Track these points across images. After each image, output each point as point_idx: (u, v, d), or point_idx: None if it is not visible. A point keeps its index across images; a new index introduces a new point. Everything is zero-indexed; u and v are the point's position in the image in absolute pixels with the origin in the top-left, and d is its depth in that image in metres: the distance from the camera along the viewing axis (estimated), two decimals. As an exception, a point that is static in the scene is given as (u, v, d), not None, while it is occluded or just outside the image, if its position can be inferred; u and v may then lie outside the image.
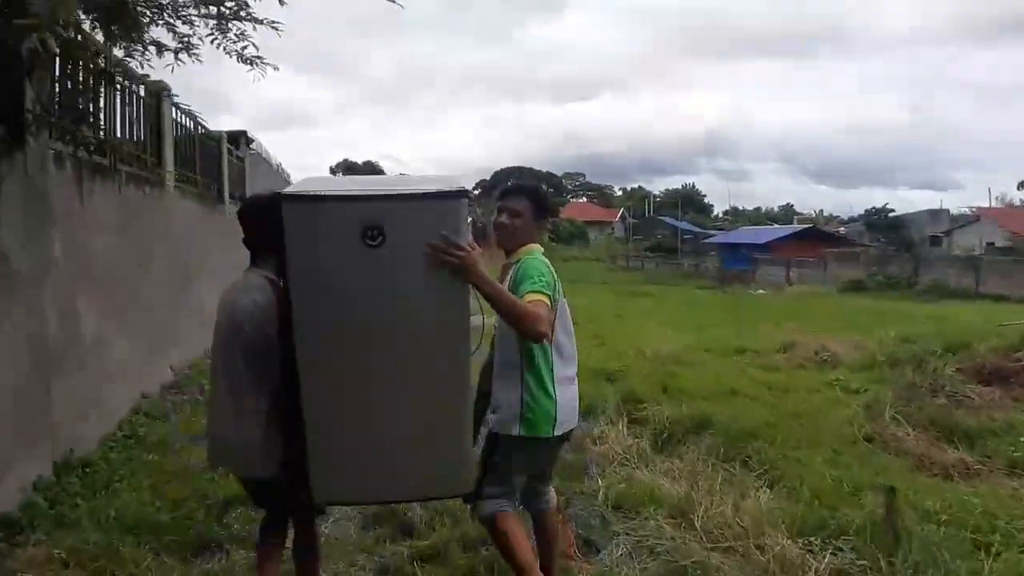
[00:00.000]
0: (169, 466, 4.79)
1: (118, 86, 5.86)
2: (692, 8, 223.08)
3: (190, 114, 8.55)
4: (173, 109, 7.73)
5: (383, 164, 72.03)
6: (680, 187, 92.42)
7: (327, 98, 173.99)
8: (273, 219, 2.40)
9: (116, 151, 5.49)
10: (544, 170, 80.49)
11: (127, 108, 6.27)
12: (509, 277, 2.80)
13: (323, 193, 2.43)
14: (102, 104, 5.59)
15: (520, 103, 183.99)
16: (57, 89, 4.69)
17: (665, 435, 5.53)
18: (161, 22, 5.02)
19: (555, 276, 2.81)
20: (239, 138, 11.90)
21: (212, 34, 5.25)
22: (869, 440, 5.74)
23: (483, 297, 2.50)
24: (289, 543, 2.95)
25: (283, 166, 17.95)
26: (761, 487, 4.57)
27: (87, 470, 4.63)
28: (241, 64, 5.51)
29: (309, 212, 2.39)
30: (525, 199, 2.96)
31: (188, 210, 8.30)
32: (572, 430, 2.97)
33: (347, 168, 66.13)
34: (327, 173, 75.45)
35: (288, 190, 2.49)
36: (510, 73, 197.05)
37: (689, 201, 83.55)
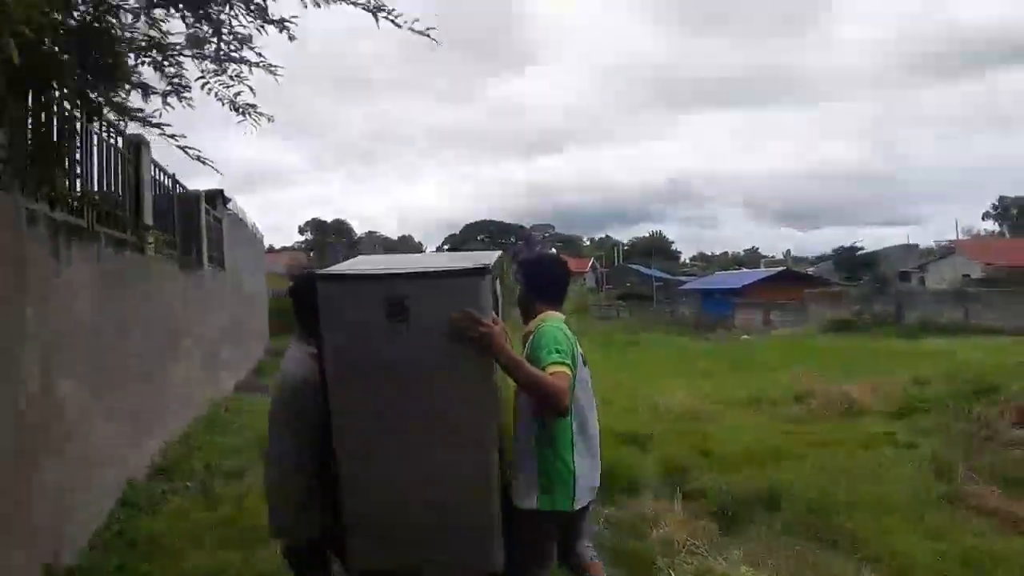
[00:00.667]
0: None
1: (95, 135, 5.24)
2: (652, 61, 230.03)
3: (167, 172, 7.94)
4: (152, 166, 7.10)
5: (353, 224, 71.42)
6: (648, 235, 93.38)
7: (296, 158, 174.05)
8: (314, 299, 2.58)
9: (95, 207, 4.85)
10: (515, 223, 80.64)
11: (105, 162, 5.64)
12: (526, 346, 2.82)
13: (352, 272, 2.63)
14: (78, 157, 4.96)
15: (488, 158, 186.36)
16: (28, 135, 4.07)
17: (729, 512, 4.90)
18: (148, 59, 4.41)
19: (574, 344, 2.80)
20: (216, 198, 11.23)
21: (203, 76, 4.65)
22: (948, 500, 5.20)
23: (503, 370, 2.55)
24: None
25: (257, 226, 17.27)
26: (860, 570, 3.97)
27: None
28: (232, 113, 4.88)
29: (339, 289, 2.57)
30: (520, 273, 3.09)
31: (169, 275, 7.61)
32: (591, 502, 2.93)
33: (315, 227, 65.49)
34: (296, 233, 75.37)
35: (327, 270, 2.68)
36: (477, 130, 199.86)
37: (658, 248, 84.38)
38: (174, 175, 8.38)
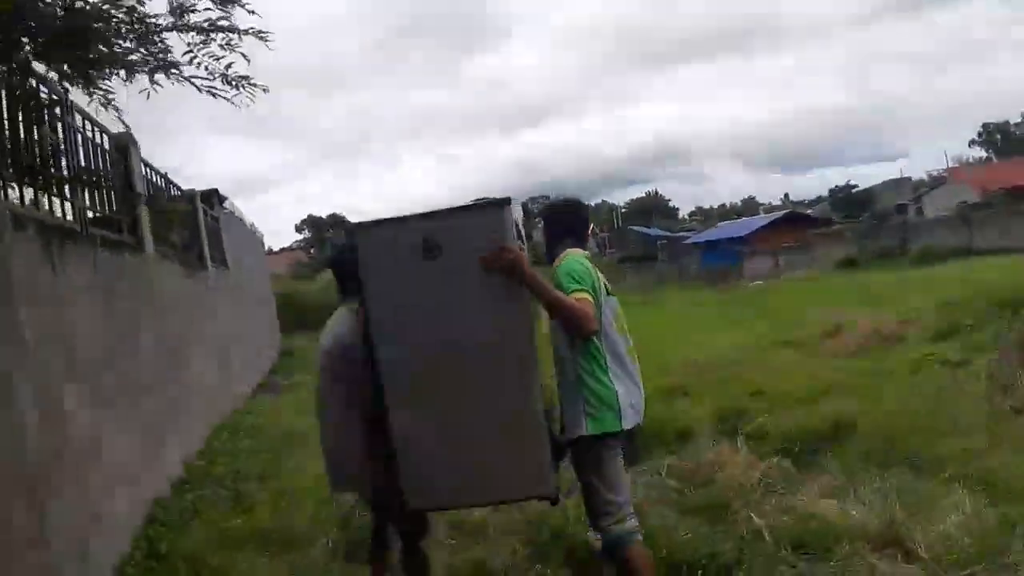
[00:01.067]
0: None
1: (79, 132, 4.91)
2: (625, 22, 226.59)
3: (159, 172, 7.60)
4: (142, 165, 6.76)
5: (348, 216, 70.76)
6: (644, 195, 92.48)
7: (280, 159, 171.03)
8: (351, 259, 2.78)
9: (83, 208, 4.52)
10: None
11: (91, 161, 5.31)
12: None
13: (385, 218, 2.77)
14: (63, 160, 4.63)
15: (472, 138, 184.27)
16: (7, 134, 3.75)
17: (797, 448, 4.62)
18: (131, 35, 4.02)
19: (597, 274, 2.86)
20: (211, 197, 10.90)
21: (190, 49, 4.27)
22: (1017, 412, 4.92)
23: (532, 292, 2.61)
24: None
25: (256, 225, 16.94)
26: (952, 490, 3.69)
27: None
28: (226, 87, 4.51)
29: (375, 236, 2.73)
30: (541, 219, 3.28)
31: (171, 276, 7.27)
32: (639, 424, 2.92)
33: (312, 224, 65.06)
34: (293, 232, 74.68)
35: (358, 222, 2.82)
36: (458, 111, 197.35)
37: (656, 207, 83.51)
38: (166, 174, 8.04)
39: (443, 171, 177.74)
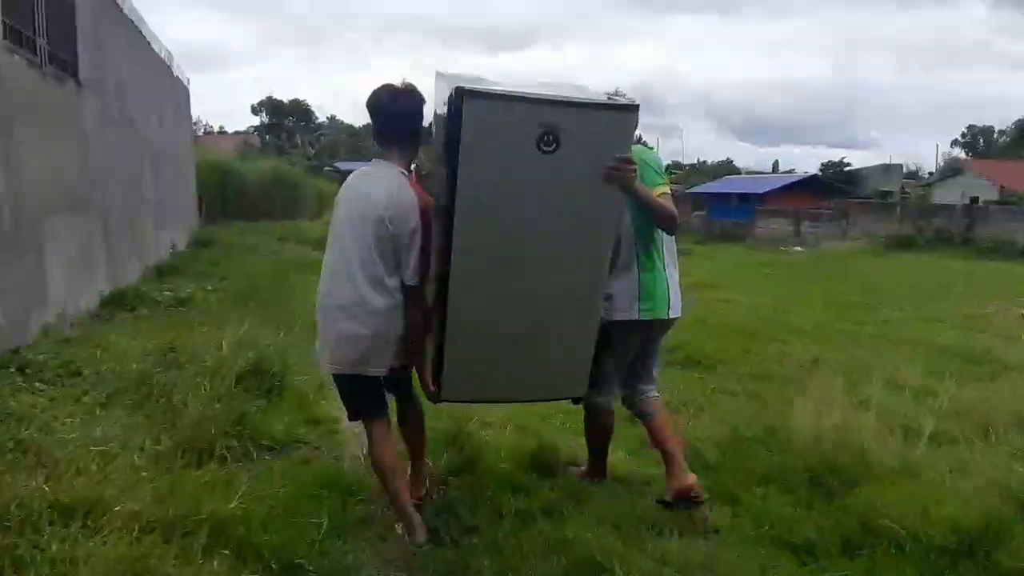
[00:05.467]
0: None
1: None
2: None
3: None
4: None
5: (312, 107, 63.47)
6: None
7: (241, 37, 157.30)
8: (418, 115, 2.62)
9: None
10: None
11: None
12: None
13: (508, 92, 2.39)
14: None
15: (450, 50, 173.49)
16: None
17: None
18: None
19: None
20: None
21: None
22: None
23: (639, 201, 2.63)
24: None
25: (175, 61, 11.86)
26: None
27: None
28: None
29: (492, 110, 2.34)
30: None
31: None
32: (677, 317, 2.96)
33: (270, 108, 58.05)
34: (249, 114, 66.56)
35: (467, 85, 2.33)
36: (439, 20, 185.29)
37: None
38: None
39: (415, 78, 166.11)
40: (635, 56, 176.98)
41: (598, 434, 3.10)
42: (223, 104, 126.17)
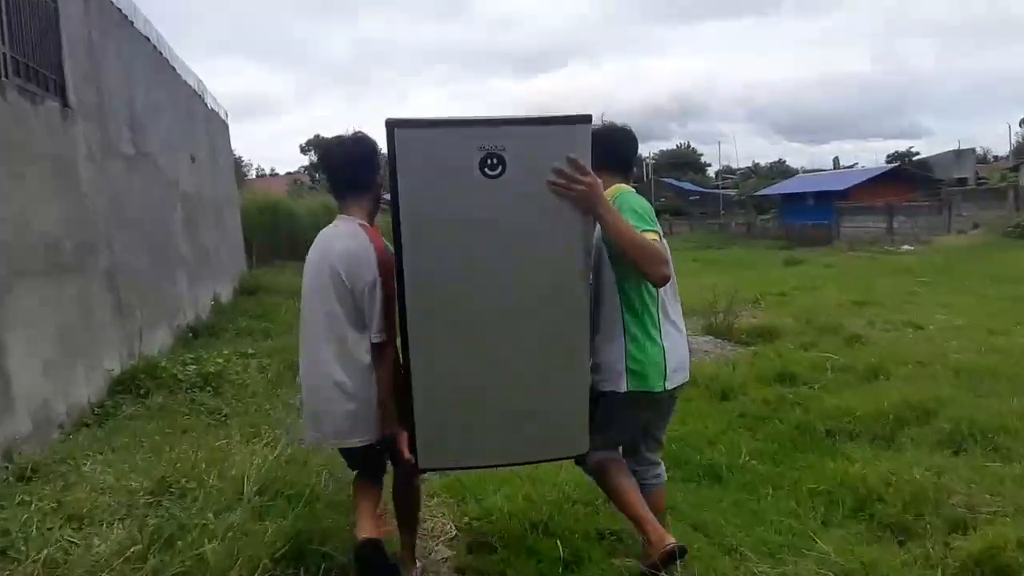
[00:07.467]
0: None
1: None
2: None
3: None
4: None
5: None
6: (676, 147, 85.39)
7: (286, 86, 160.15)
8: (366, 162, 2.45)
9: None
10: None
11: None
12: None
13: (439, 119, 2.19)
14: None
15: (484, 77, 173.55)
16: None
17: None
18: None
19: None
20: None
21: None
22: None
23: (605, 229, 2.25)
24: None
25: (215, 98, 10.65)
26: None
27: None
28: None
29: (423, 139, 2.15)
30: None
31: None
32: (684, 384, 2.56)
33: (317, 145, 57.99)
34: (298, 154, 66.65)
35: (396, 118, 2.15)
36: (475, 47, 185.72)
37: (687, 162, 76.72)
38: None
39: (454, 107, 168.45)
40: (673, 66, 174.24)
41: (621, 493, 2.52)
42: (274, 149, 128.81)
